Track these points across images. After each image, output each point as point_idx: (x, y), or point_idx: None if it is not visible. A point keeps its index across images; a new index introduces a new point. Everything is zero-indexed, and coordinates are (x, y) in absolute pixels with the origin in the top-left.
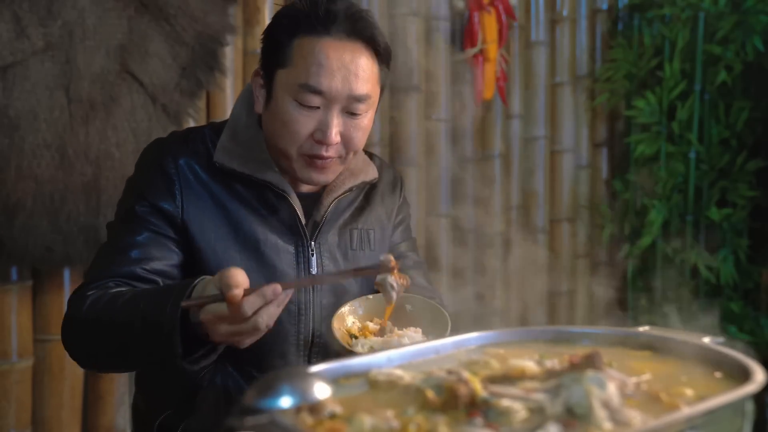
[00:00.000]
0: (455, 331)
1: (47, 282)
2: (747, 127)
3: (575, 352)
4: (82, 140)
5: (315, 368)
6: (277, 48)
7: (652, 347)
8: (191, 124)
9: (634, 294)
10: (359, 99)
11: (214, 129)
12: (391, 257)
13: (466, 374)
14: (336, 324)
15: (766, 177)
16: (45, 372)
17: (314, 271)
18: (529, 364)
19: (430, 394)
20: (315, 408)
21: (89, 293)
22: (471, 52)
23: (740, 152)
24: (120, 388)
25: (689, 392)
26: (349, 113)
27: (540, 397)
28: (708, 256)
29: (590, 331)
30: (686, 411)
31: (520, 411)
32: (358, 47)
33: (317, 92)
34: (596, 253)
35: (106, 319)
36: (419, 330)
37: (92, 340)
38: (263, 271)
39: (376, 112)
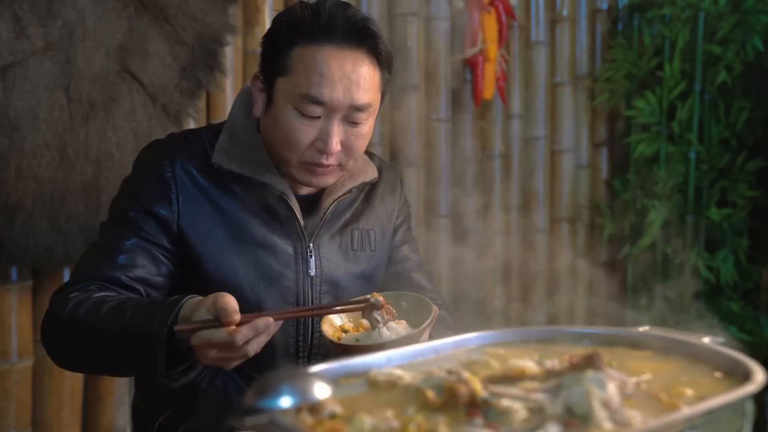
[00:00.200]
0: (456, 330)
1: (47, 282)
2: (747, 127)
3: (575, 352)
4: (82, 140)
5: (315, 368)
6: (277, 55)
7: (652, 347)
8: (191, 124)
9: (634, 294)
10: (360, 108)
11: (212, 131)
12: (381, 298)
13: (466, 374)
14: (325, 326)
15: (766, 177)
16: (45, 372)
17: (312, 272)
18: (529, 364)
19: (430, 394)
20: (315, 408)
21: (72, 295)
22: (471, 52)
23: (740, 152)
24: (120, 388)
25: (689, 392)
26: (350, 122)
27: (540, 397)
28: (708, 256)
29: (590, 331)
30: (686, 411)
31: (520, 411)
32: (359, 56)
33: (318, 103)
34: (596, 253)
35: (88, 324)
36: (403, 322)
37: (73, 343)
38: (261, 273)
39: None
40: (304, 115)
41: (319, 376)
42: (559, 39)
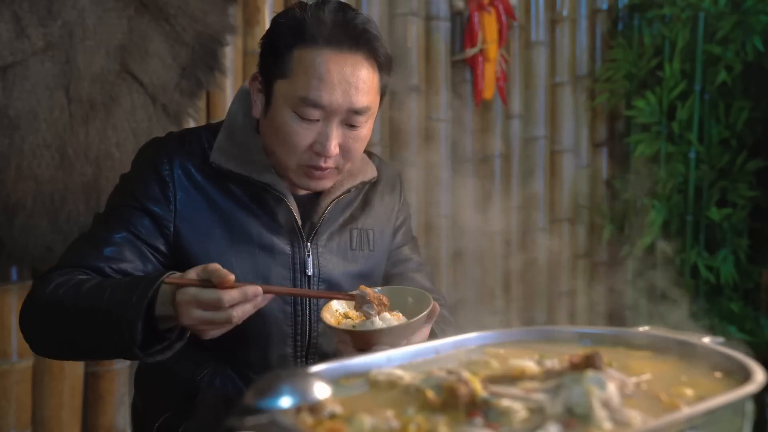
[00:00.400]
0: (457, 329)
1: None
2: (747, 127)
3: (575, 352)
4: (82, 140)
5: (315, 368)
6: (276, 57)
7: (652, 347)
8: (191, 124)
9: (634, 294)
10: (359, 112)
11: (211, 130)
12: (368, 290)
13: (466, 374)
14: (326, 314)
15: (766, 177)
16: (45, 372)
17: (310, 272)
18: (529, 364)
19: (430, 394)
20: (315, 408)
21: (54, 278)
22: (471, 52)
23: (740, 152)
24: (120, 388)
25: (689, 392)
26: (349, 125)
27: (540, 397)
28: (708, 256)
29: (590, 331)
30: (686, 411)
31: (520, 411)
32: (358, 59)
33: (317, 106)
34: (596, 253)
35: (68, 301)
36: (399, 314)
37: (50, 321)
38: (258, 272)
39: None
40: (303, 118)
41: (319, 376)
42: (559, 39)
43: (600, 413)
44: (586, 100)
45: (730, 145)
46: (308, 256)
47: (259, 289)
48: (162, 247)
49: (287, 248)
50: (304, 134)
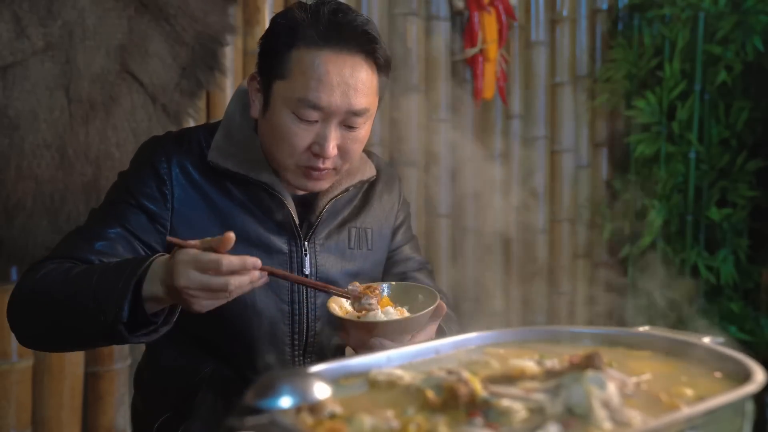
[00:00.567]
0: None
1: None
2: (747, 127)
3: (575, 352)
4: (82, 140)
5: (315, 368)
6: (275, 57)
7: (652, 347)
8: (191, 124)
9: (634, 294)
10: (358, 113)
11: (209, 129)
12: (358, 286)
13: (466, 374)
14: (333, 305)
15: (766, 177)
16: (45, 372)
17: (307, 271)
18: (529, 364)
19: (430, 394)
20: (315, 408)
21: (42, 267)
22: (471, 52)
23: (740, 152)
24: (120, 388)
25: (689, 392)
26: (347, 126)
27: (540, 397)
28: (708, 256)
29: (590, 331)
30: (686, 411)
31: (520, 411)
32: (358, 60)
33: (316, 107)
34: (596, 253)
35: (55, 286)
36: (403, 310)
37: (36, 307)
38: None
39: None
40: (302, 119)
41: (319, 376)
42: (559, 39)
43: (600, 413)
44: (586, 100)
45: (730, 145)
46: (305, 255)
47: (258, 261)
48: (155, 245)
49: (284, 247)
50: (303, 135)
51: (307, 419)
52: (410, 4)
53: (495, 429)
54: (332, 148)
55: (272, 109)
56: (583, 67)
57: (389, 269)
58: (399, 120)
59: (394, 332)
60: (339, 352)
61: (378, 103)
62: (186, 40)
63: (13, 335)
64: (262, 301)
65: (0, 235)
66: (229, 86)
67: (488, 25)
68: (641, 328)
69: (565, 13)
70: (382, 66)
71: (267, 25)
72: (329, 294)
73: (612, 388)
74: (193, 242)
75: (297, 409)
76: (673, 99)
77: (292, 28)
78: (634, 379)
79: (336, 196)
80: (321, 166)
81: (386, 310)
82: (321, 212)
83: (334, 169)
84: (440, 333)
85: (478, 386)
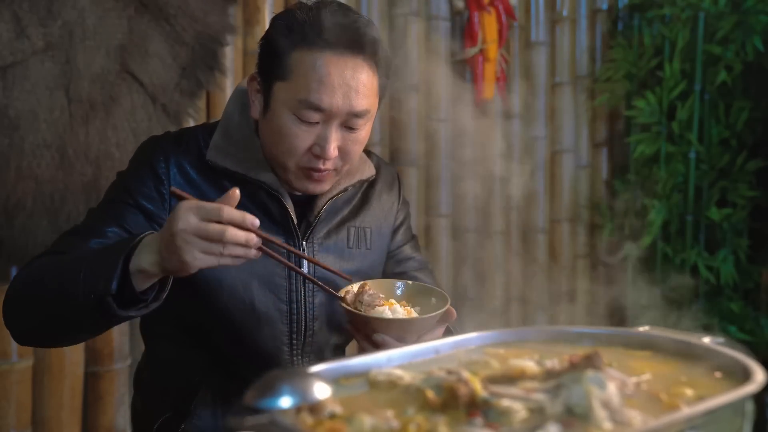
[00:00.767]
0: (456, 330)
1: None
2: (747, 127)
3: (575, 352)
4: (82, 140)
5: (315, 368)
6: (276, 58)
7: (652, 347)
8: (191, 124)
9: (634, 294)
10: (358, 115)
11: (207, 129)
12: (351, 291)
13: (466, 374)
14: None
15: (766, 177)
16: (45, 372)
17: (305, 270)
18: (529, 364)
19: (430, 394)
20: (315, 408)
21: (36, 262)
22: (471, 52)
23: (740, 152)
24: (120, 388)
25: (689, 392)
26: (348, 127)
27: (540, 397)
28: (708, 256)
29: (590, 331)
30: (686, 411)
31: (520, 411)
32: (359, 62)
33: (317, 109)
34: (596, 253)
35: (47, 274)
36: (412, 310)
37: (30, 297)
38: (254, 270)
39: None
40: (302, 121)
41: (319, 376)
42: (559, 39)
43: (600, 413)
44: (586, 100)
45: (730, 145)
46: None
47: (257, 221)
48: None
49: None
50: (303, 137)
51: (307, 419)
52: (410, 4)
53: (495, 429)
54: (333, 150)
55: (272, 110)
56: (583, 67)
57: (390, 269)
58: (399, 120)
59: (398, 330)
60: (337, 352)
61: (378, 104)
62: (186, 40)
63: None
64: (260, 301)
65: (0, 235)
66: (229, 86)
67: (488, 25)
68: (641, 328)
69: (565, 13)
70: (383, 67)
71: (267, 25)
72: (321, 288)
73: (612, 388)
74: (193, 197)
75: (297, 409)
76: (673, 99)
77: (292, 29)
78: (634, 379)
79: (335, 196)
80: (321, 167)
81: (394, 309)
82: (320, 211)
83: (335, 170)
84: (448, 335)
85: (478, 386)
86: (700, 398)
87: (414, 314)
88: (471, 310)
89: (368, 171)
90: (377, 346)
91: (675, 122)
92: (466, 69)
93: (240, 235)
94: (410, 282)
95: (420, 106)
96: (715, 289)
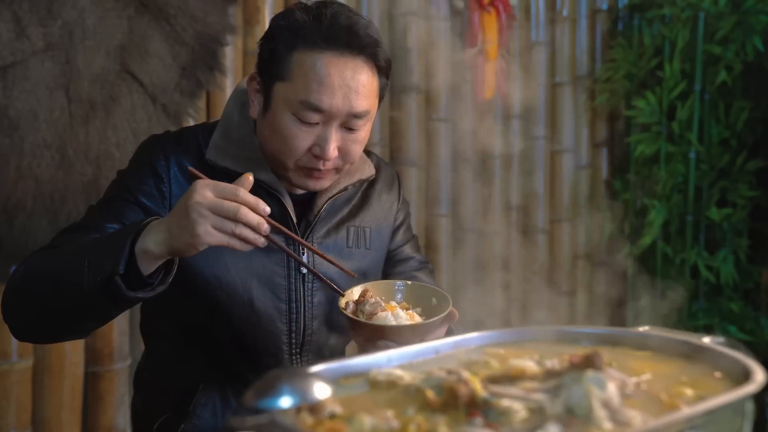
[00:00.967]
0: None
1: None
2: (747, 127)
3: (575, 352)
4: (82, 140)
5: (315, 368)
6: (276, 59)
7: (652, 347)
8: (191, 124)
9: (634, 294)
10: (359, 116)
11: (207, 128)
12: (351, 302)
13: (466, 374)
14: (343, 302)
15: (766, 177)
16: (45, 372)
17: (305, 270)
18: (529, 364)
19: (430, 394)
20: (315, 408)
21: (36, 254)
22: (471, 52)
23: (740, 152)
24: (120, 388)
25: (689, 392)
26: (348, 128)
27: (540, 397)
28: (708, 256)
29: (590, 331)
30: (686, 411)
31: (520, 411)
32: (359, 63)
33: (318, 110)
34: (596, 253)
35: (48, 263)
36: (414, 314)
37: (29, 288)
38: (253, 270)
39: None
40: (303, 121)
41: (319, 376)
42: (559, 39)
43: (600, 413)
44: (586, 100)
45: (730, 145)
46: (303, 253)
47: (268, 208)
48: None
49: (279, 237)
50: (304, 137)
51: (307, 419)
52: (410, 4)
53: (495, 429)
54: (333, 150)
55: (273, 111)
56: (583, 67)
57: (389, 269)
58: (399, 120)
59: (402, 337)
60: (336, 351)
61: (378, 105)
62: (186, 40)
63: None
64: (260, 300)
65: (0, 235)
66: (229, 86)
67: (488, 25)
68: (641, 328)
69: (565, 13)
70: (383, 68)
71: (267, 25)
72: (324, 284)
73: (612, 388)
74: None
75: (297, 409)
76: (673, 99)
77: (293, 29)
78: (634, 379)
79: (334, 195)
80: (321, 167)
81: (396, 313)
82: (319, 211)
83: (335, 169)
84: (449, 336)
85: (478, 386)
86: (700, 398)
87: (417, 317)
88: (471, 310)
89: (368, 171)
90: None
91: (675, 122)
92: (466, 69)
93: (252, 216)
94: (410, 282)
95: (420, 106)
96: (715, 289)
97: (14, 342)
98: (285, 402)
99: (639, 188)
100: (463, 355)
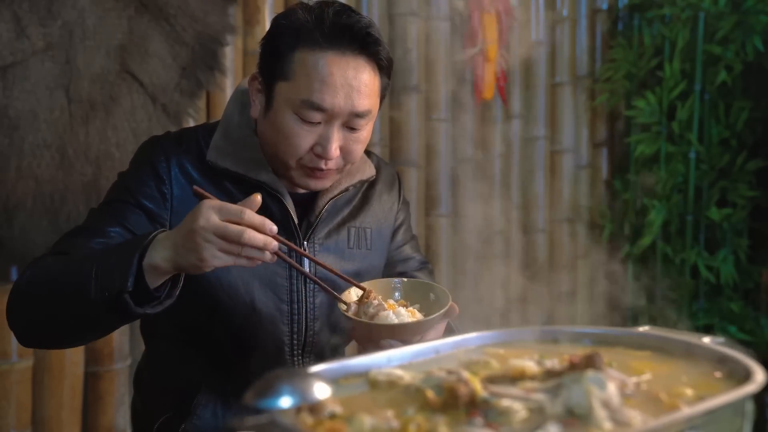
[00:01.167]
0: (457, 329)
1: None
2: (747, 127)
3: (575, 352)
4: (82, 140)
5: (315, 368)
6: (278, 58)
7: (652, 347)
8: (191, 124)
9: (634, 294)
10: (360, 115)
11: (207, 129)
12: (353, 303)
13: (466, 374)
14: (342, 305)
15: (766, 177)
16: (45, 372)
17: (306, 270)
18: (529, 364)
19: (430, 394)
20: (315, 408)
21: (40, 262)
22: (471, 52)
23: (740, 152)
24: (120, 388)
25: (689, 392)
26: (350, 127)
27: (540, 397)
28: (708, 256)
29: (590, 331)
30: (686, 411)
31: (520, 411)
32: (361, 62)
33: (320, 109)
34: (596, 253)
35: (55, 274)
36: (415, 311)
37: (36, 297)
38: (255, 271)
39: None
40: (304, 121)
41: (319, 376)
42: (559, 39)
43: (600, 413)
44: (586, 100)
45: (730, 145)
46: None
47: (275, 227)
48: None
49: (283, 247)
50: (305, 136)
51: (307, 419)
52: (410, 4)
53: (495, 429)
54: (335, 150)
55: (274, 110)
56: (583, 67)
57: (390, 269)
58: (399, 120)
59: (405, 334)
60: (338, 352)
61: (380, 105)
62: (186, 40)
63: (13, 335)
64: (261, 301)
65: (0, 235)
66: (229, 86)
67: (488, 25)
68: (641, 328)
69: (565, 13)
70: (385, 68)
71: (267, 25)
72: (328, 294)
73: (612, 388)
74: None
75: (297, 409)
76: (673, 99)
77: (295, 29)
78: (634, 379)
79: (335, 196)
80: (323, 167)
81: (398, 311)
82: (320, 212)
83: (337, 169)
84: (449, 332)
85: (478, 386)
86: (700, 398)
87: (417, 314)
88: (471, 310)
89: (369, 171)
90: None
91: (675, 122)
92: (466, 69)
93: (258, 238)
94: (406, 279)
95: (420, 106)
96: (715, 289)
97: (14, 342)
98: (285, 402)
99: (639, 188)
100: (463, 355)
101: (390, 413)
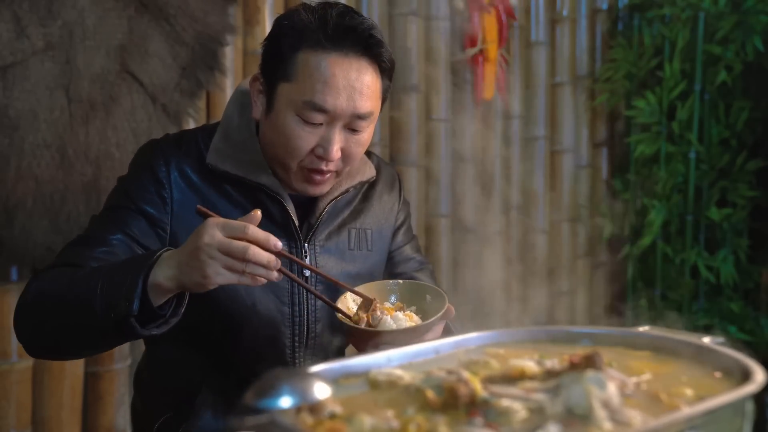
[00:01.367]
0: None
1: None
2: (747, 127)
3: (575, 352)
4: (82, 140)
5: (315, 368)
6: (280, 59)
7: (652, 347)
8: (191, 124)
9: (634, 294)
10: (362, 117)
11: (207, 131)
12: (361, 316)
13: (466, 374)
14: (341, 307)
15: (766, 177)
16: (45, 372)
17: (307, 273)
18: (529, 364)
19: (430, 394)
20: (315, 408)
21: (47, 275)
22: (471, 52)
23: (740, 152)
24: (120, 388)
25: (689, 392)
26: (351, 129)
27: (540, 397)
28: (708, 256)
29: (590, 331)
30: (686, 411)
31: (520, 411)
32: (363, 64)
33: (322, 110)
34: (596, 253)
35: (62, 288)
36: (412, 314)
37: (44, 310)
38: None
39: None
40: (306, 122)
41: (319, 376)
42: (559, 39)
43: (600, 413)
44: (586, 100)
45: (730, 145)
46: (305, 256)
47: (279, 243)
48: (159, 248)
49: (284, 249)
50: (307, 138)
51: (307, 419)
52: (410, 4)
53: (495, 429)
54: (336, 152)
55: (276, 111)
56: (583, 67)
57: (390, 270)
58: (399, 120)
59: (404, 339)
60: (339, 354)
61: (381, 106)
62: (186, 40)
63: (13, 335)
64: (263, 303)
65: (0, 235)
66: (229, 86)
67: (488, 25)
68: (641, 328)
69: (565, 13)
70: (387, 70)
71: (267, 25)
72: (328, 305)
73: (612, 388)
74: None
75: (297, 409)
76: (673, 99)
77: (298, 30)
78: (634, 379)
79: (336, 198)
80: (324, 168)
81: (395, 316)
82: (321, 213)
83: (336, 171)
84: (447, 332)
85: (478, 386)
86: (700, 398)
87: (415, 318)
88: (471, 310)
89: (369, 172)
90: None
91: (675, 122)
92: (466, 69)
93: (262, 255)
94: (402, 281)
95: (420, 106)
96: (715, 289)
97: (14, 342)
98: (285, 402)
99: (639, 188)
100: (463, 355)
101: (390, 413)
